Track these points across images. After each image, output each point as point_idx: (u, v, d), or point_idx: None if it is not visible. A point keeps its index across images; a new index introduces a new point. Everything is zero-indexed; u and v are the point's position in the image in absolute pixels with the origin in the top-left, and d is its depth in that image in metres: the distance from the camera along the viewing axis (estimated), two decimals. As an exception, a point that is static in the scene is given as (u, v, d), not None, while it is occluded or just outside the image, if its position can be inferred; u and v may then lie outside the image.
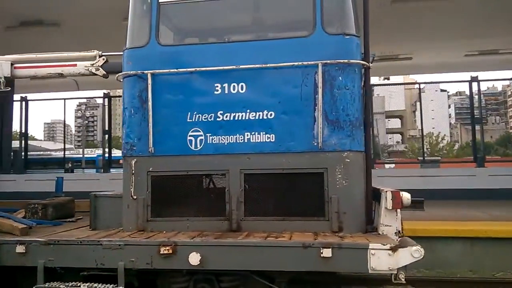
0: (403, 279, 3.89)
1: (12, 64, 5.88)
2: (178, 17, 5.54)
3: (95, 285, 4.09)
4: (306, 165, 4.51)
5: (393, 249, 3.76)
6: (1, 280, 4.52)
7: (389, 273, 3.86)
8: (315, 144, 4.44)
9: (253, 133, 4.56)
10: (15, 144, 18.80)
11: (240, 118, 4.58)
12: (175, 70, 4.63)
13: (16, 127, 19.74)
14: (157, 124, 4.64)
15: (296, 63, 4.48)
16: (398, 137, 77.40)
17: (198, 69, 4.60)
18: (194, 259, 3.94)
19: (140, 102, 4.69)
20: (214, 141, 4.60)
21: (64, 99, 18.90)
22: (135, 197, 4.63)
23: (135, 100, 4.73)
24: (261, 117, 4.55)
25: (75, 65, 5.88)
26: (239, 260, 4.00)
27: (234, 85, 4.59)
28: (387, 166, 28.41)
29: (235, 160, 4.57)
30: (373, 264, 3.76)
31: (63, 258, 4.17)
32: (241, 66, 4.53)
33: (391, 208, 4.18)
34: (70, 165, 27.60)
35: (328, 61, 4.44)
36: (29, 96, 17.94)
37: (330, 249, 3.82)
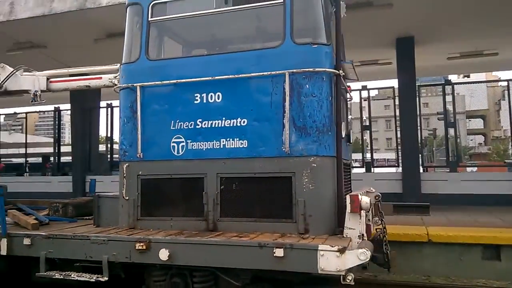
0: (350, 281, 3.95)
1: (48, 79, 6.80)
2: (175, 31, 6.03)
3: (84, 274, 4.68)
4: (275, 170, 4.72)
5: (341, 251, 3.87)
6: (18, 269, 5.32)
7: (338, 274, 3.94)
8: (284, 149, 4.62)
9: (228, 139, 4.86)
10: (101, 147, 20.74)
11: (216, 126, 4.91)
12: (160, 82, 5.09)
13: (101, 132, 21.51)
14: (145, 131, 5.13)
15: (265, 73, 4.72)
16: (480, 138, 70.61)
17: (179, 81, 5.02)
18: (163, 254, 4.36)
19: (132, 112, 5.22)
20: (194, 147, 4.98)
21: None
22: (127, 198, 5.16)
23: (127, 110, 5.26)
24: (235, 124, 4.84)
25: (101, 78, 6.56)
26: (203, 257, 4.34)
27: (211, 95, 4.93)
28: (468, 169, 26.65)
29: (212, 164, 4.91)
30: (322, 265, 3.91)
31: (60, 250, 4.81)
32: (216, 77, 4.87)
33: (349, 211, 4.25)
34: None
35: (295, 70, 4.62)
36: (114, 103, 19.41)
37: (282, 249, 4.03)
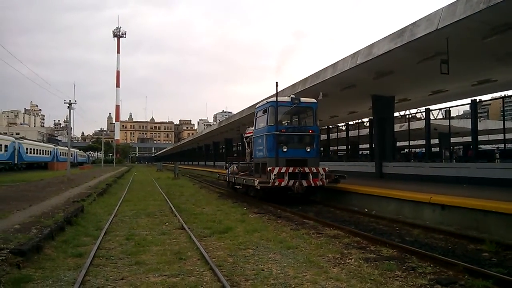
0: (258, 187, 17.35)
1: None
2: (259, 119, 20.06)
3: (238, 186, 20.87)
4: (266, 160, 18.10)
5: (255, 180, 17.60)
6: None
7: (257, 186, 17.20)
8: (264, 155, 18.35)
9: (261, 152, 19.09)
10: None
11: (260, 148, 19.20)
12: (254, 136, 20.21)
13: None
14: (254, 150, 20.08)
15: (263, 133, 18.72)
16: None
17: (256, 135, 19.97)
18: (242, 182, 19.41)
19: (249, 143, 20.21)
20: (259, 155, 19.48)
21: None
22: (253, 168, 20.63)
23: (252, 142, 20.27)
24: (262, 148, 18.91)
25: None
26: (247, 181, 18.97)
27: (259, 139, 19.33)
28: None
29: (260, 160, 19.10)
30: (256, 184, 17.32)
31: (236, 180, 21.71)
32: (258, 135, 19.47)
33: (264, 171, 17.64)
34: None
35: (265, 133, 18.38)
36: None
37: (252, 180, 18.17)
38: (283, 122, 19.14)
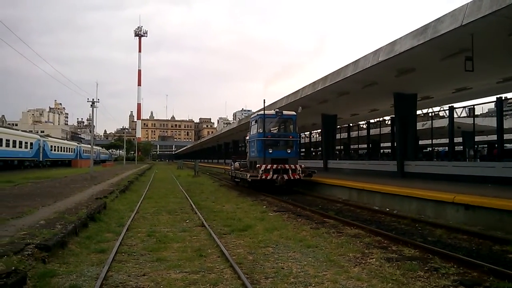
0: (249, 180, 20.00)
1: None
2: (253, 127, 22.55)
3: (236, 179, 23.23)
4: (256, 160, 20.32)
5: (247, 174, 19.49)
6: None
7: (248, 179, 19.56)
8: (255, 155, 19.73)
9: (254, 152, 21.18)
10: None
11: (253, 150, 21.26)
12: (248, 139, 22.14)
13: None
14: (250, 150, 21.34)
15: (255, 139, 21.23)
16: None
17: (250, 139, 21.67)
18: (239, 176, 21.11)
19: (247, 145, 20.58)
20: (252, 155, 21.54)
21: None
22: (248, 165, 22.90)
23: (248, 144, 21.08)
24: (254, 149, 21.43)
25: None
26: (240, 174, 21.11)
27: (253, 143, 21.35)
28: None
29: (253, 159, 21.06)
30: (248, 177, 19.77)
31: (236, 175, 22.82)
32: (253, 139, 21.24)
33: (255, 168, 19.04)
34: None
35: (256, 138, 21.07)
36: None
37: (244, 174, 20.37)
38: (271, 130, 22.93)
